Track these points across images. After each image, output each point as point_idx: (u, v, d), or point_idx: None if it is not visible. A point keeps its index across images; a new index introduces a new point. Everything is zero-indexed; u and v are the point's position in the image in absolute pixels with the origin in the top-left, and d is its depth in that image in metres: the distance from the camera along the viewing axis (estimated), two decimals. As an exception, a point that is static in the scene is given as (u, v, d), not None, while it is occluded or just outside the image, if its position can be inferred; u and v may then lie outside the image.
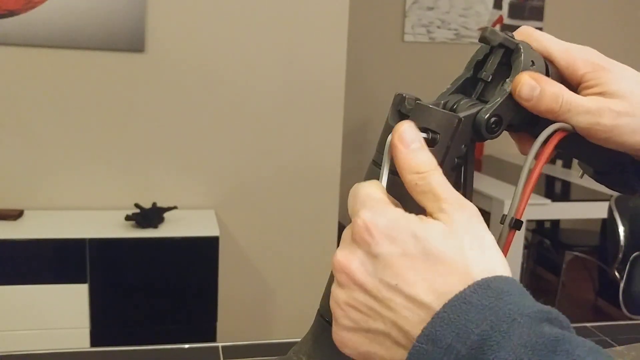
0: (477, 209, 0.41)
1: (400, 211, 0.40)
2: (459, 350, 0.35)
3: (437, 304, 0.37)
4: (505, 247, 0.46)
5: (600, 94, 0.49)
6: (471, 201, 0.50)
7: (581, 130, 0.49)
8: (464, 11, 3.85)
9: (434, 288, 0.37)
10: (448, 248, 0.38)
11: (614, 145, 0.50)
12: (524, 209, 0.46)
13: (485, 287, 0.36)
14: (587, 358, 0.34)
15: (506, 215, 0.46)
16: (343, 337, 0.41)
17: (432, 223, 0.39)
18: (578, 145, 0.51)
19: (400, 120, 0.48)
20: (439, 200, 0.40)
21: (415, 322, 0.37)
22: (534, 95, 0.48)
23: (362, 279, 0.39)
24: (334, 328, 0.41)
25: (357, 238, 0.40)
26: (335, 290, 0.41)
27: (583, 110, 0.48)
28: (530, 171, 0.46)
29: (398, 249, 0.38)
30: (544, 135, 0.47)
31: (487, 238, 0.39)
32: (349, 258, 0.40)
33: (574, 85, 0.51)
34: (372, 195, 0.42)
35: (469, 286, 0.37)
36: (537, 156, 0.48)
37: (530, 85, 0.48)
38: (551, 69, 0.50)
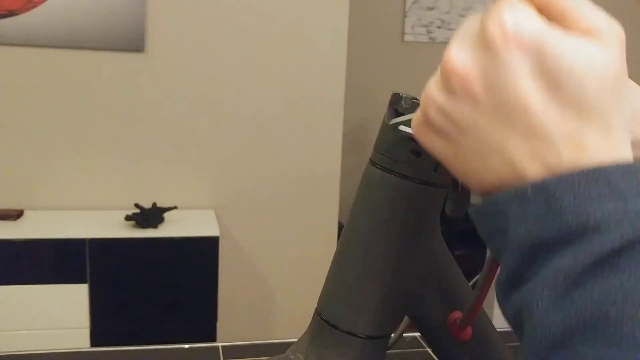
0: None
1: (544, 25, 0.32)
2: (564, 218, 0.30)
3: (567, 152, 0.31)
4: (488, 281, 0.46)
5: None
6: (469, 201, 0.51)
7: None
8: (464, 11, 3.85)
9: (570, 133, 0.31)
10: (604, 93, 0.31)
11: None
12: None
13: (622, 170, 0.30)
14: None
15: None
16: (424, 134, 0.36)
17: (593, 50, 0.31)
18: None
19: None
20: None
21: (524, 152, 0.31)
22: None
23: (479, 92, 0.32)
24: (419, 119, 0.36)
25: (488, 41, 0.32)
26: (435, 90, 0.35)
27: None
28: None
29: (540, 76, 0.31)
30: None
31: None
32: (470, 64, 0.33)
33: None
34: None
35: (604, 161, 0.30)
36: None
37: None
38: None
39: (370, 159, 0.50)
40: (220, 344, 0.99)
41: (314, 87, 2.40)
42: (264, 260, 2.48)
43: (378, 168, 0.49)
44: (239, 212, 2.43)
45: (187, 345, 0.99)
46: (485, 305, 0.49)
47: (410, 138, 0.47)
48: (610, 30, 0.32)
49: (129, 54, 2.24)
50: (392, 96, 0.48)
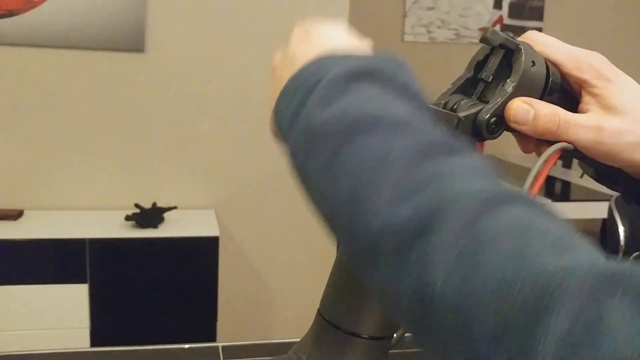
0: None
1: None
2: (310, 84, 0.44)
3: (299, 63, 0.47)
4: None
5: (601, 106, 0.49)
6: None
7: (582, 148, 0.49)
8: (464, 11, 3.85)
9: (305, 53, 0.47)
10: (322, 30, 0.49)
11: (614, 162, 0.50)
12: None
13: (332, 54, 0.45)
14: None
15: None
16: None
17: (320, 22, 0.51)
18: (578, 152, 0.51)
19: None
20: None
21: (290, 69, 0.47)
22: (529, 119, 0.48)
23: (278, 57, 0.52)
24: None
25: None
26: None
27: (583, 129, 0.48)
28: (532, 184, 0.46)
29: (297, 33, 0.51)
30: (545, 156, 0.47)
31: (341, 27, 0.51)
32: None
33: (576, 89, 0.51)
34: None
35: (329, 50, 0.46)
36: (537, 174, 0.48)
37: (524, 109, 0.48)
38: (555, 72, 0.50)
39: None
40: (220, 344, 0.99)
41: (314, 87, 2.40)
42: (264, 260, 2.48)
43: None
44: (239, 212, 2.43)
45: (187, 345, 0.99)
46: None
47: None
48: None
49: (129, 54, 2.24)
50: (394, 96, 0.48)
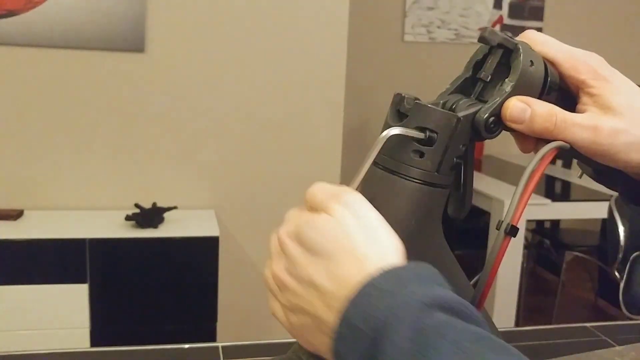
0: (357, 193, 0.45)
1: (295, 212, 0.47)
2: (366, 333, 0.38)
3: (341, 292, 0.40)
4: (500, 253, 0.46)
5: (598, 106, 0.49)
6: (471, 201, 0.51)
7: (579, 148, 0.49)
8: (464, 11, 3.85)
9: (334, 277, 0.41)
10: (335, 239, 0.42)
11: (610, 162, 0.50)
12: (519, 216, 0.46)
13: (385, 274, 0.40)
14: (474, 345, 0.35)
15: (502, 221, 0.46)
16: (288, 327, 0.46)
17: (315, 216, 0.44)
18: (575, 152, 0.51)
19: (400, 120, 0.48)
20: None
21: (325, 310, 0.41)
22: (525, 118, 0.48)
23: (285, 280, 0.45)
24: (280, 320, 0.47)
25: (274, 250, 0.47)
26: (272, 298, 0.47)
27: (580, 129, 0.48)
28: (527, 181, 0.46)
29: (299, 248, 0.44)
30: (541, 154, 0.47)
31: (372, 217, 0.44)
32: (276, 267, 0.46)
33: (574, 90, 0.51)
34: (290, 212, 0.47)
35: (369, 274, 0.40)
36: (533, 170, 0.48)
37: (520, 108, 0.47)
38: (553, 72, 0.50)
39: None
40: (220, 344, 0.99)
41: (314, 87, 2.40)
42: (264, 260, 2.47)
43: (380, 169, 0.49)
44: (239, 212, 2.43)
45: (187, 345, 0.99)
46: (485, 304, 0.49)
47: (412, 138, 0.47)
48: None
49: (129, 54, 2.24)
50: (394, 97, 0.48)
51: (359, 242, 0.42)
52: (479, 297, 0.48)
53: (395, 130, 0.46)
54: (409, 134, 0.46)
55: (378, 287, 0.39)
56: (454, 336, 0.36)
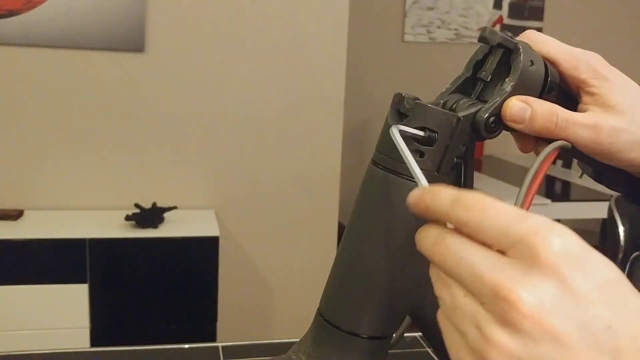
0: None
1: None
2: None
3: None
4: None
5: (598, 105, 0.49)
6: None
7: (580, 147, 0.49)
8: (464, 11, 3.85)
9: None
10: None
11: (611, 161, 0.50)
12: None
13: None
14: None
15: None
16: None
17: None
18: (576, 151, 0.51)
19: (400, 120, 0.48)
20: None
21: None
22: (526, 117, 0.47)
23: (564, 330, 0.31)
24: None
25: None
26: (498, 334, 0.32)
27: (580, 128, 0.48)
28: (531, 182, 0.46)
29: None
30: (544, 154, 0.47)
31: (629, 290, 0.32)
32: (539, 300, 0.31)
33: (574, 89, 0.51)
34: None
35: None
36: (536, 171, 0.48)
37: (520, 107, 0.47)
38: (553, 72, 0.50)
39: (372, 159, 0.49)
40: (220, 344, 0.99)
41: (314, 87, 2.40)
42: (264, 260, 2.48)
43: (380, 168, 0.49)
44: (239, 212, 2.43)
45: (187, 345, 0.99)
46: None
47: (412, 138, 0.46)
48: None
49: (129, 54, 2.24)
50: (394, 96, 0.48)
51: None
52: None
53: (399, 127, 0.46)
54: (410, 132, 0.46)
55: None
56: None
